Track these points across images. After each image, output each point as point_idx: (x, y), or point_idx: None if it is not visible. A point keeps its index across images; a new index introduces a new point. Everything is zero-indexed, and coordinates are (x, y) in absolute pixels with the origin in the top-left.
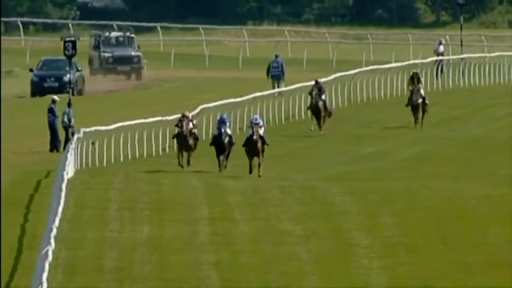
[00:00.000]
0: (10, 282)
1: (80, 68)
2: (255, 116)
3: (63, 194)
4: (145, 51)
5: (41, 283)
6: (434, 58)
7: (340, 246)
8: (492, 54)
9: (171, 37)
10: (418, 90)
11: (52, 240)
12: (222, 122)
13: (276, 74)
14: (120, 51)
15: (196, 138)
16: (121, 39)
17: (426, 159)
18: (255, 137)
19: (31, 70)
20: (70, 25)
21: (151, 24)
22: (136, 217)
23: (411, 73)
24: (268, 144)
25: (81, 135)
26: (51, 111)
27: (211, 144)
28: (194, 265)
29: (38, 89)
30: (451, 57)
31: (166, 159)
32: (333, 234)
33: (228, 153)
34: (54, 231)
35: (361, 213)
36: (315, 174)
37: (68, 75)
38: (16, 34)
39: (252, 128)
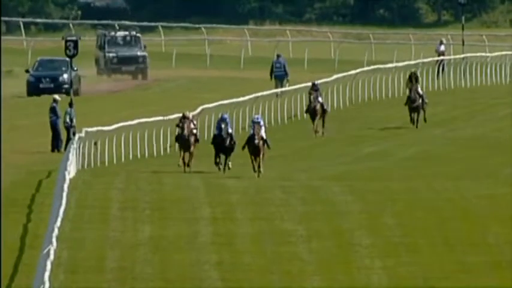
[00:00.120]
0: (12, 282)
1: (75, 68)
2: (256, 116)
3: (64, 194)
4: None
5: (43, 283)
6: (436, 58)
7: (342, 246)
8: (493, 54)
9: (172, 36)
10: (416, 89)
11: (54, 240)
12: (222, 121)
13: (279, 75)
14: (125, 51)
15: (196, 140)
16: (127, 38)
17: (427, 159)
18: (256, 141)
19: (27, 71)
20: (71, 25)
21: (153, 24)
22: (138, 217)
23: (409, 73)
24: (270, 148)
25: (82, 135)
26: (53, 111)
27: (212, 143)
28: (196, 265)
29: (34, 89)
30: (452, 56)
31: (167, 159)
32: (334, 234)
33: (230, 153)
34: (56, 231)
35: (363, 213)
36: (317, 174)
37: (65, 75)
38: (17, 34)
39: (253, 127)
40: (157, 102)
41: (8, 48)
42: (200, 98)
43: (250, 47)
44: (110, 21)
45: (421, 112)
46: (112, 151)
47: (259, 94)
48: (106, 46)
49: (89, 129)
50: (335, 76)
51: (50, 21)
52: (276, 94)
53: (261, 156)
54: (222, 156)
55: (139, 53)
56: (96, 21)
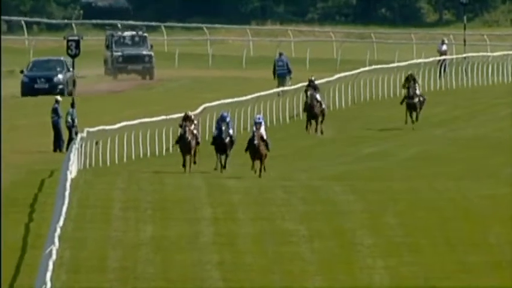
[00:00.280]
0: (14, 282)
1: (70, 68)
2: (257, 116)
3: (67, 194)
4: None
5: (45, 282)
6: (437, 58)
7: (344, 246)
8: (495, 54)
9: (175, 36)
10: (415, 89)
11: (56, 240)
12: (222, 121)
13: (281, 73)
14: (131, 51)
15: (197, 143)
16: (135, 38)
17: (428, 159)
18: (256, 142)
19: (21, 72)
20: (73, 25)
21: (155, 24)
22: (139, 217)
23: (406, 75)
24: (269, 150)
25: (84, 135)
26: (54, 111)
27: (211, 144)
28: (197, 265)
29: (29, 90)
30: (454, 56)
31: (169, 158)
32: (336, 234)
33: (228, 154)
34: (58, 230)
35: (364, 213)
36: (318, 173)
37: (60, 76)
38: (19, 34)
39: (254, 129)
40: (159, 102)
41: (10, 47)
42: (202, 97)
43: (252, 47)
44: (112, 21)
45: (418, 111)
46: (114, 151)
47: (261, 93)
48: (113, 46)
49: (91, 129)
50: (337, 76)
51: (52, 20)
52: (278, 93)
53: (262, 159)
54: (222, 157)
55: (145, 52)
56: (98, 21)
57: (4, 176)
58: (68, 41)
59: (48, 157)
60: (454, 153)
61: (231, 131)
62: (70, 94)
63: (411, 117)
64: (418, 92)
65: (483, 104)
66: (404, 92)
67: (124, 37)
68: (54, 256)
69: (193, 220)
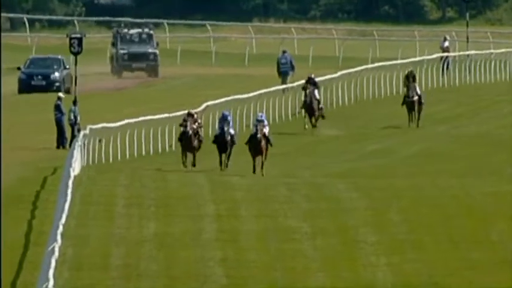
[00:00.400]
0: (16, 279)
1: (67, 66)
2: (260, 114)
3: (69, 191)
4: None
5: (47, 280)
6: (440, 54)
7: (347, 243)
8: (498, 51)
9: (177, 34)
10: (414, 88)
11: (58, 237)
12: (224, 120)
13: (285, 71)
14: (136, 48)
15: (200, 140)
16: (142, 36)
17: (431, 156)
18: (259, 135)
19: (19, 68)
20: (76, 22)
21: (157, 21)
22: (142, 214)
23: (406, 71)
24: (272, 145)
25: (87, 132)
26: (57, 108)
27: (213, 142)
28: (200, 262)
29: (25, 86)
30: (457, 53)
31: (172, 156)
32: (339, 231)
33: (230, 153)
34: (61, 227)
35: (368, 210)
36: (321, 171)
37: (57, 73)
38: (22, 31)
39: (257, 125)
40: (162, 100)
41: (12, 44)
42: (205, 95)
43: (254, 44)
44: (114, 18)
45: (418, 110)
46: (117, 148)
47: (264, 91)
48: (119, 43)
49: (94, 127)
50: (339, 73)
51: (54, 17)
52: (283, 90)
53: (263, 156)
54: (223, 155)
55: (150, 50)
56: (100, 18)
57: (10, 173)
58: (71, 38)
59: (52, 154)
60: (457, 151)
61: (231, 131)
62: (67, 91)
63: (412, 117)
64: (418, 91)
65: (486, 101)
66: (404, 91)
67: (130, 35)
68: (56, 253)
69: (197, 217)
